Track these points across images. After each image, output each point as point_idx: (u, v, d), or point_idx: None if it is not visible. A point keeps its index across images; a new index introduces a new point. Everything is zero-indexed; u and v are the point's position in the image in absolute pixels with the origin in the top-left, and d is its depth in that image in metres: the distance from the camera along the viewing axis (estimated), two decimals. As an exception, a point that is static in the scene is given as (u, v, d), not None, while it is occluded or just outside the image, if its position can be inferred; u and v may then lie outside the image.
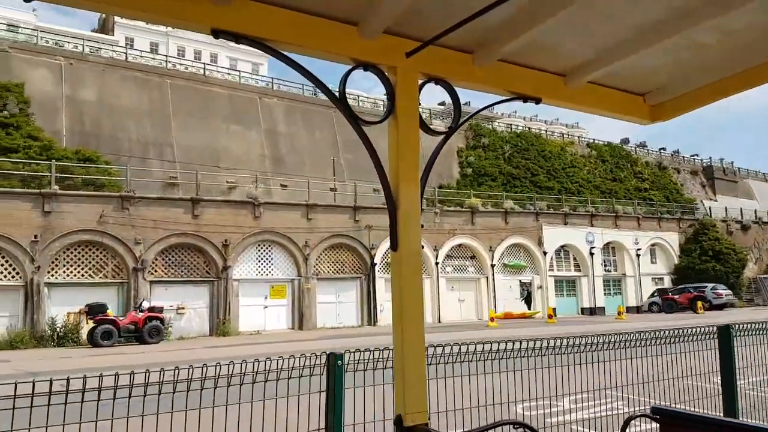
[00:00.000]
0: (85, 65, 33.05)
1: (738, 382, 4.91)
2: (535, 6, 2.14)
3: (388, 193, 2.21)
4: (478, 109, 3.09)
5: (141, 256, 23.94)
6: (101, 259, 23.71)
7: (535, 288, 37.73)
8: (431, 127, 2.50)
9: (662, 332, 4.99)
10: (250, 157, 35.49)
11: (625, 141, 63.92)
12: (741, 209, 54.19)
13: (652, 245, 44.69)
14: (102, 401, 2.83)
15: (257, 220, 27.40)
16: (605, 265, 41.93)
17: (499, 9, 1.92)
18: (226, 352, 17.05)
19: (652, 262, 44.83)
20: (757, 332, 5.56)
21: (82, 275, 23.25)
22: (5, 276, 21.80)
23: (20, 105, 29.72)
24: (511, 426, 2.19)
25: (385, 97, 2.36)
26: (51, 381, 2.72)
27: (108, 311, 20.21)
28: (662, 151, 63.34)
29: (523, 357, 4.40)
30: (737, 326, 5.21)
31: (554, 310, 37.62)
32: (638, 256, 42.77)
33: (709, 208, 54.13)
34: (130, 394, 2.90)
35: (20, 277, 21.81)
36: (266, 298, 27.10)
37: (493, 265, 35.40)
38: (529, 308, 35.00)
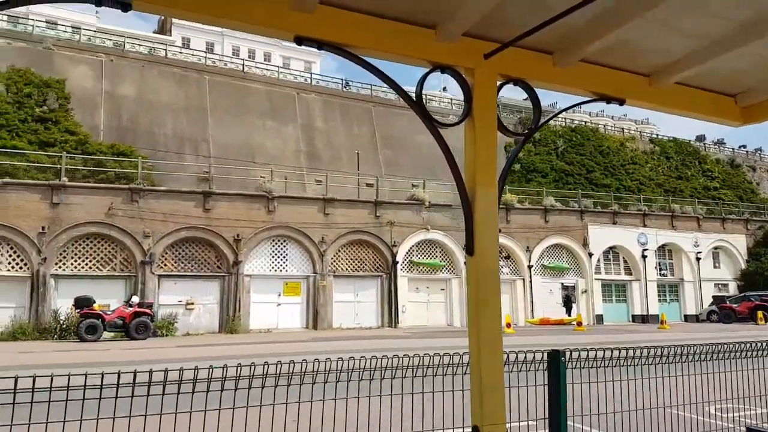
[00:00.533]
0: (125, 62, 33.05)
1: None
2: (621, 6, 2.04)
3: (464, 195, 2.18)
4: (558, 110, 2.93)
5: (149, 250, 23.18)
6: (109, 251, 23.15)
7: (579, 292, 34.49)
8: (508, 129, 2.40)
9: (695, 347, 4.13)
10: (285, 153, 34.51)
11: (701, 138, 58.96)
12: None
13: (715, 248, 40.12)
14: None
15: (271, 214, 26.13)
16: (660, 269, 37.92)
17: (580, 10, 1.85)
18: (221, 351, 15.77)
19: (714, 267, 40.25)
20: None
21: (90, 268, 22.76)
22: (12, 267, 21.58)
23: (60, 100, 29.97)
24: None
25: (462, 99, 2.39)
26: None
27: (94, 305, 19.38)
28: (742, 148, 57.61)
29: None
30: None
31: (601, 316, 34.44)
32: (698, 259, 38.43)
33: None
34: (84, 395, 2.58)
35: (27, 269, 21.53)
36: (280, 295, 25.78)
37: (530, 267, 32.56)
38: (569, 314, 31.86)
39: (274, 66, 44.13)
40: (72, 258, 22.59)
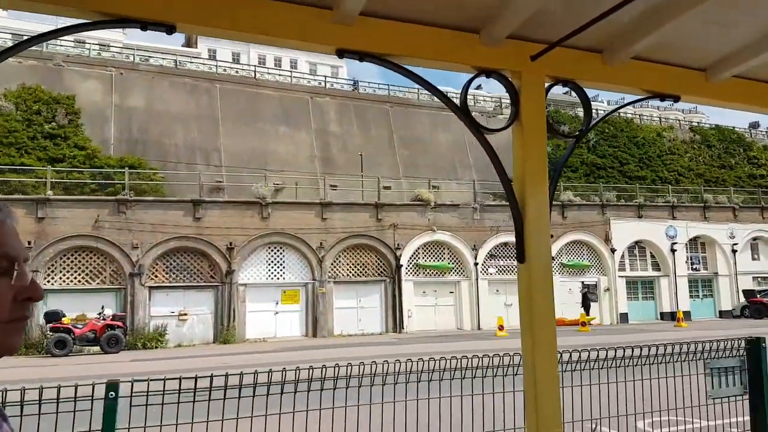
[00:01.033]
0: (135, 74, 32.72)
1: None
2: (671, 0, 1.96)
3: (513, 201, 2.05)
4: (611, 109, 1.73)
5: (138, 261, 22.44)
6: (98, 264, 22.56)
7: (602, 291, 31.96)
8: (557, 130, 2.36)
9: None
10: (298, 158, 33.42)
11: (755, 125, 54.99)
12: None
13: (754, 239, 36.59)
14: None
15: (265, 221, 24.99)
16: (692, 263, 34.82)
17: (630, 6, 1.80)
18: (196, 363, 14.79)
19: (753, 259, 36.76)
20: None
21: (79, 281, 22.22)
22: None
23: (69, 116, 29.84)
24: None
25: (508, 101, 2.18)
26: None
27: (63, 318, 18.64)
28: None
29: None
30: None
31: (626, 315, 31.87)
32: (734, 252, 35.06)
33: None
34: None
35: (16, 284, 20.98)
36: (277, 303, 24.62)
37: (546, 265, 30.26)
38: (588, 313, 29.41)
39: (286, 71, 43.14)
40: (60, 272, 22.13)
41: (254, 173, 29.95)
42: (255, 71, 38.03)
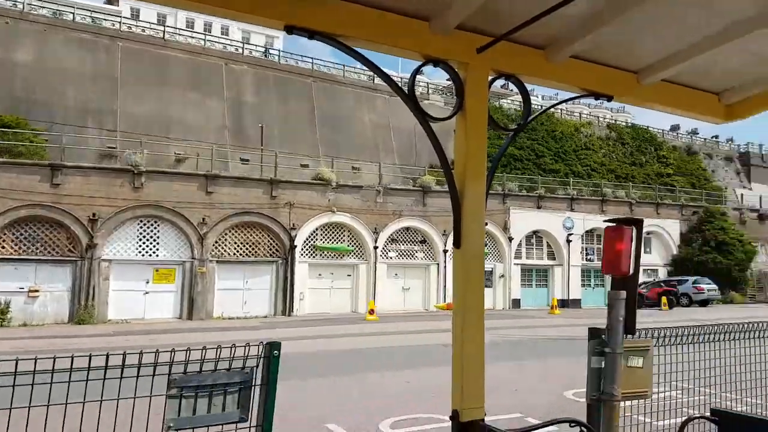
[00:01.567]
0: (25, 24, 29.09)
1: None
2: (611, 2, 2.01)
3: (453, 189, 2.07)
4: (548, 105, 2.99)
5: (-22, 231, 19.82)
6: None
7: (497, 277, 31.77)
8: (499, 124, 2.39)
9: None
10: (207, 128, 30.95)
11: (675, 127, 56.65)
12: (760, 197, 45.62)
13: (648, 233, 37.42)
14: None
15: (138, 191, 22.71)
16: (586, 254, 35.25)
17: (574, 5, 1.86)
18: (39, 344, 12.98)
19: (645, 252, 37.63)
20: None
21: None
22: None
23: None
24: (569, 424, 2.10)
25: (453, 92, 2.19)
26: None
27: None
28: (697, 135, 54.87)
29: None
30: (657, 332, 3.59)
31: (518, 301, 31.94)
32: (627, 245, 35.68)
33: (741, 196, 46.98)
34: None
35: None
36: (148, 282, 22.56)
37: (445, 251, 29.67)
38: (481, 300, 29.11)
39: (199, 33, 40.05)
40: None
41: (154, 140, 27.50)
42: (164, 31, 34.86)
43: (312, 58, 37.43)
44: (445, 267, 29.83)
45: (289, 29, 1.89)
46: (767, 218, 43.40)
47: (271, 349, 2.09)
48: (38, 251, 20.90)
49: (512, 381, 9.05)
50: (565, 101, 2.65)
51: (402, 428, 6.32)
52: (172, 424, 1.95)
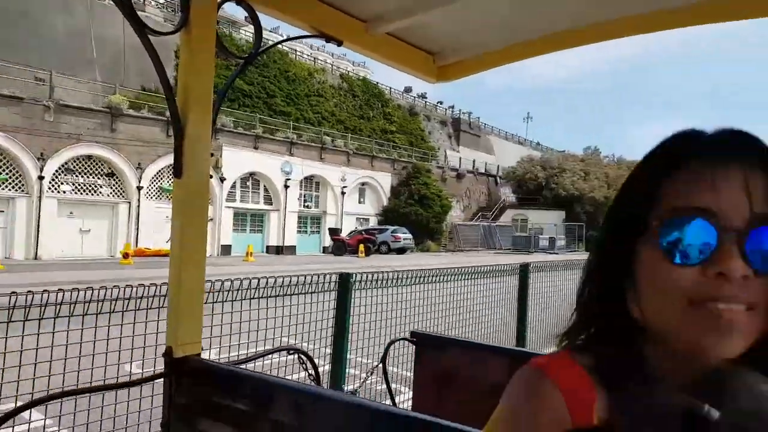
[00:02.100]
0: None
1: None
2: None
3: (175, 113, 1.91)
4: (278, 41, 3.06)
5: None
6: None
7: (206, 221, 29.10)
8: (228, 49, 2.20)
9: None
10: None
11: (409, 89, 59.51)
12: (474, 160, 52.42)
13: (362, 184, 39.14)
14: None
15: None
16: (305, 201, 35.10)
17: None
18: None
19: (360, 202, 39.48)
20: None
21: None
22: None
23: None
24: (287, 352, 2.30)
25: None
26: None
27: None
28: (422, 98, 59.20)
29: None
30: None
31: (229, 247, 29.97)
32: (343, 194, 36.70)
33: (460, 160, 51.94)
34: None
35: None
36: None
37: (140, 188, 25.75)
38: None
39: None
40: None
41: None
42: None
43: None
44: (138, 206, 25.97)
45: None
46: (464, 177, 49.85)
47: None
48: None
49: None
50: (296, 39, 2.52)
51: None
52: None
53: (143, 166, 26.00)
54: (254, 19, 2.18)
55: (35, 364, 2.53)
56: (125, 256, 21.38)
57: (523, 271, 6.40)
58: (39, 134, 22.72)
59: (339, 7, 2.27)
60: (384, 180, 40.56)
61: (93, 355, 2.70)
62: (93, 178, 24.99)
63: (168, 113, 1.97)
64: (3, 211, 22.25)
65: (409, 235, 34.88)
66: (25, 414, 2.15)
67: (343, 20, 2.30)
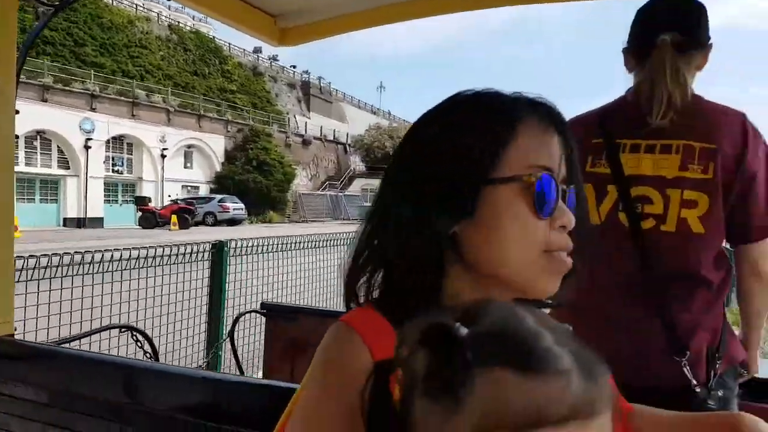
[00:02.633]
0: None
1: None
2: None
3: None
4: None
5: None
6: None
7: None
8: None
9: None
10: None
11: (258, 50, 54.90)
12: (322, 127, 50.27)
13: (188, 147, 35.34)
14: None
15: None
16: (113, 165, 30.66)
17: None
18: None
19: (186, 167, 35.65)
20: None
21: None
22: None
23: None
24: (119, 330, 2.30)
25: None
26: None
27: None
28: (272, 60, 55.38)
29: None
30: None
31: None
32: (164, 157, 32.68)
33: (305, 124, 49.06)
34: None
35: None
36: None
37: None
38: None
39: None
40: None
41: None
42: None
43: None
44: None
45: None
46: (310, 144, 47.73)
47: None
48: None
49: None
50: None
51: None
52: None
53: None
54: None
55: None
56: None
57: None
58: None
59: None
60: (216, 143, 37.02)
61: None
62: None
63: None
64: None
65: (240, 205, 31.99)
66: None
67: None
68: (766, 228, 1.43)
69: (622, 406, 0.83)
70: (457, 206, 0.67)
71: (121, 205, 31.38)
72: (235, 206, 31.35)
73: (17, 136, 25.51)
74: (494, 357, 0.46)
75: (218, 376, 1.40)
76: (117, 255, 3.54)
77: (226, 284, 4.20)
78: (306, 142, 47.00)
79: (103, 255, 3.44)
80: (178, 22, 46.40)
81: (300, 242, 5.62)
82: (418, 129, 0.74)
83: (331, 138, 51.83)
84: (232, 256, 4.49)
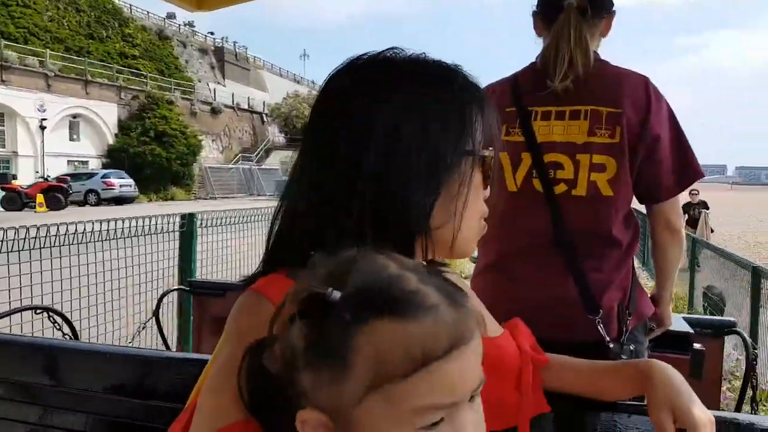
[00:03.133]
0: None
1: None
2: None
3: None
4: None
5: None
6: None
7: None
8: None
9: None
10: None
11: (172, 15, 50.70)
12: (233, 94, 46.97)
13: (74, 116, 31.85)
14: None
15: None
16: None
17: None
18: None
19: (72, 140, 32.20)
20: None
21: None
22: None
23: None
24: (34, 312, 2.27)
25: None
26: None
27: None
28: (172, 21, 50.96)
29: None
30: None
31: None
32: (43, 128, 29.15)
33: (214, 91, 45.80)
34: None
35: None
36: None
37: None
38: None
39: None
40: None
41: None
42: None
43: None
44: None
45: None
46: (220, 112, 44.58)
47: None
48: None
49: None
50: None
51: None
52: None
53: None
54: None
55: None
56: None
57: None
58: None
59: None
60: (107, 112, 33.57)
61: None
62: None
63: None
64: None
65: (129, 181, 29.01)
66: None
67: None
68: (673, 187, 1.52)
69: (539, 359, 0.89)
70: (428, 179, 0.70)
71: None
72: (123, 182, 28.36)
73: None
74: (369, 312, 0.47)
75: (142, 352, 1.39)
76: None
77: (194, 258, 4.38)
78: (215, 111, 43.90)
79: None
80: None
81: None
82: (371, 105, 0.71)
83: (246, 106, 48.83)
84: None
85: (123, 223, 4.13)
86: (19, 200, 23.39)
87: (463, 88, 0.74)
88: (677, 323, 1.84)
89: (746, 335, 2.14)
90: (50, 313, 2.18)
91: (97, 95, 33.07)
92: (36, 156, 29.37)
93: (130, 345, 2.74)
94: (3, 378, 1.35)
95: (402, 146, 0.69)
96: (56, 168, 29.88)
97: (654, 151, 1.46)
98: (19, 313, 2.25)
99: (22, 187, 23.92)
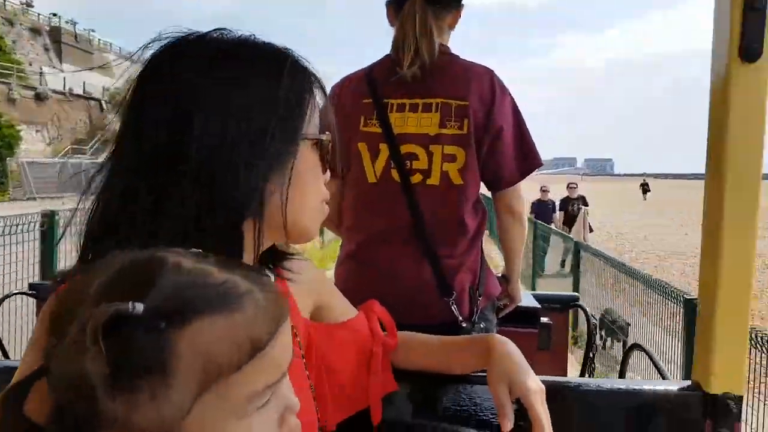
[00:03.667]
0: None
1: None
2: None
3: None
4: None
5: None
6: None
7: None
8: None
9: None
10: None
11: (30, 3, 46.88)
12: (65, 78, 42.19)
13: None
14: None
15: None
16: None
17: None
18: None
19: None
20: None
21: None
22: None
23: None
24: None
25: None
26: None
27: None
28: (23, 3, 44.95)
29: None
30: None
31: None
32: None
33: (40, 74, 41.52)
34: None
35: None
36: None
37: None
38: None
39: None
40: None
41: None
42: None
43: None
44: None
45: None
46: (47, 98, 39.75)
47: None
48: None
49: None
50: None
51: None
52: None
53: None
54: None
55: None
56: None
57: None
58: None
59: None
60: None
61: None
62: None
63: None
64: None
65: None
66: None
67: None
68: (513, 177, 1.66)
69: (388, 342, 0.94)
70: (256, 160, 0.68)
71: None
72: None
73: None
74: (185, 314, 0.46)
75: None
76: None
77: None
78: (40, 97, 39.10)
79: None
80: None
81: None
82: (210, 85, 0.68)
83: (79, 92, 44.22)
84: None
85: None
86: None
87: (293, 70, 0.73)
88: (526, 299, 2.00)
89: (587, 309, 2.36)
90: None
91: None
92: None
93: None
94: None
95: (228, 127, 0.67)
96: None
97: (497, 141, 1.60)
98: None
99: None
